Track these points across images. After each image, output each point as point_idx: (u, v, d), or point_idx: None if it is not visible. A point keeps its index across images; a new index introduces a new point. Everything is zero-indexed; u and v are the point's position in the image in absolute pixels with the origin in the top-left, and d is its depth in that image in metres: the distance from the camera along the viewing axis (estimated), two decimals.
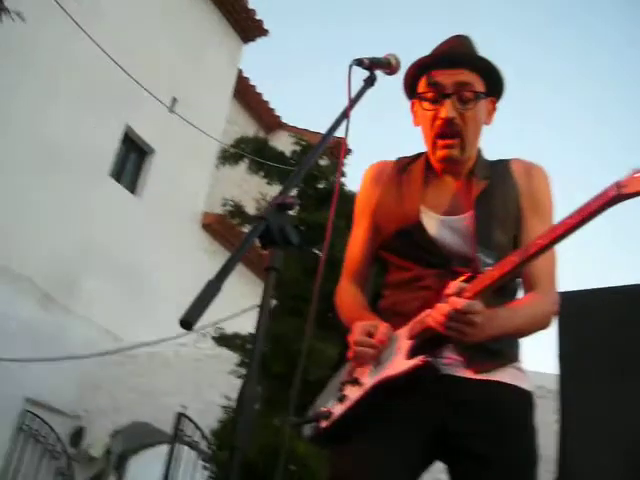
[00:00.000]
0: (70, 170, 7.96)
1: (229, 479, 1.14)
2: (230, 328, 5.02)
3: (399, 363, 1.58)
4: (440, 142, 1.70)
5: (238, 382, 4.98)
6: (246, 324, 5.14)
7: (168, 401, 6.95)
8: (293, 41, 27.80)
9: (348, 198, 5.18)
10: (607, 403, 3.40)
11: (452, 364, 1.64)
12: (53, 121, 7.89)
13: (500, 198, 1.73)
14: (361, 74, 1.65)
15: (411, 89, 1.80)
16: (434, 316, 1.51)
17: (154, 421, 7.27)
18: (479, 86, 1.72)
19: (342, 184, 5.31)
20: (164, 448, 6.80)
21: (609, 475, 3.50)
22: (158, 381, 7.34)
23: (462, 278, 1.54)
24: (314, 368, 4.32)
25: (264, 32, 11.31)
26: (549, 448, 2.93)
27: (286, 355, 4.49)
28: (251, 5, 10.86)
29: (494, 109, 1.80)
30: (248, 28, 11.10)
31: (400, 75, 1.74)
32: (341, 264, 5.16)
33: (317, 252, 5.06)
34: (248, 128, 11.69)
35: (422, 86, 1.75)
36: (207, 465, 6.24)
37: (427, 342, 1.58)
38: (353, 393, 1.65)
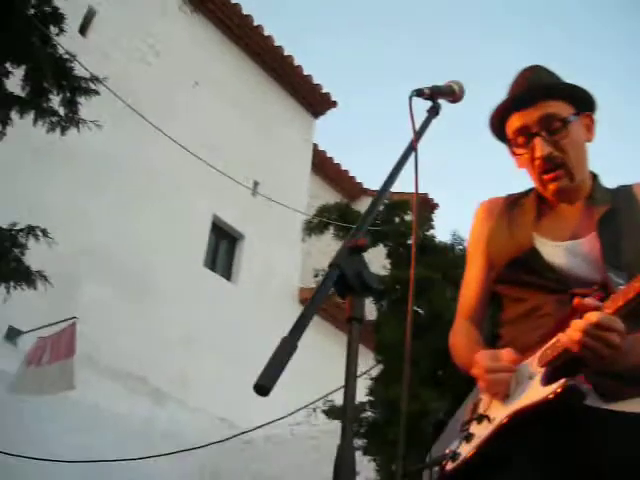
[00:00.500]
0: (165, 264, 8.20)
1: None
2: (340, 399, 4.88)
3: (536, 391, 1.44)
4: (546, 177, 1.68)
5: (357, 454, 4.79)
6: (358, 392, 5.00)
7: None
8: (362, 107, 28.31)
9: (440, 250, 5.05)
10: None
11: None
12: (144, 223, 8.20)
13: (626, 220, 1.64)
14: (424, 105, 1.57)
15: (500, 134, 1.78)
16: (569, 334, 1.40)
17: None
18: (565, 111, 1.68)
19: (432, 236, 5.18)
20: None
21: None
22: (277, 464, 7.20)
23: (595, 297, 1.42)
24: (430, 428, 4.11)
25: (333, 104, 11.55)
26: None
27: (399, 419, 4.29)
28: (317, 80, 11.15)
29: (592, 123, 1.75)
30: (317, 102, 11.37)
31: (464, 102, 1.67)
32: (441, 317, 4.92)
33: (417, 310, 4.89)
34: (331, 199, 11.80)
35: (510, 132, 1.73)
36: None
37: (561, 369, 1.44)
38: (482, 430, 1.52)
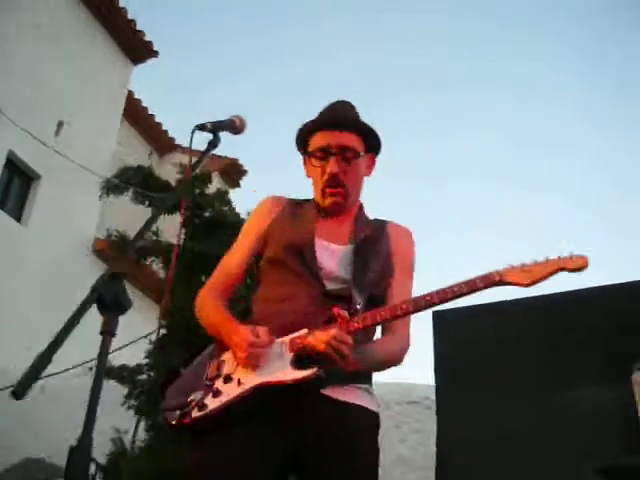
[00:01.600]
0: None
1: None
2: (117, 360, 5.00)
3: (285, 370, 1.81)
4: (328, 190, 2.07)
5: (129, 412, 4.96)
6: (134, 355, 5.13)
7: (61, 435, 6.77)
8: (184, 63, 27.54)
9: (234, 226, 5.29)
10: (477, 408, 3.73)
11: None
12: None
13: (374, 249, 2.04)
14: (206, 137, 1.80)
15: (303, 146, 2.13)
16: (316, 338, 1.78)
17: (48, 456, 7.06)
18: (359, 146, 2.09)
19: (228, 211, 5.41)
20: None
21: (481, 475, 3.82)
22: (49, 415, 7.14)
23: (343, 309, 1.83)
24: None
25: (154, 53, 11.26)
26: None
27: None
28: (141, 26, 10.80)
29: (373, 162, 2.19)
30: (137, 49, 11.01)
31: (245, 133, 1.93)
32: None
33: (204, 281, 5.12)
34: (141, 150, 11.59)
35: (312, 145, 2.08)
36: None
37: (304, 357, 1.81)
38: (230, 389, 1.83)
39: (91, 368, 4.85)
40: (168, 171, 11.67)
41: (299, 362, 1.82)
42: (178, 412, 1.86)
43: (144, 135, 11.98)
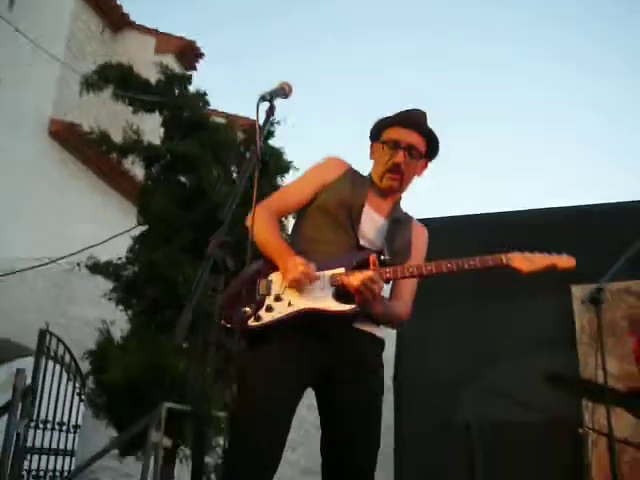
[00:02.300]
0: None
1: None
2: (102, 254, 5.22)
3: (329, 301, 2.22)
4: (388, 175, 2.47)
5: (101, 301, 5.24)
6: (117, 249, 5.36)
7: (28, 318, 7.02)
8: None
9: (214, 128, 5.43)
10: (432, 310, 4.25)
11: None
12: None
13: (401, 231, 2.50)
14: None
15: (376, 134, 2.53)
16: (353, 277, 2.19)
17: (14, 337, 7.34)
18: (422, 149, 2.50)
19: (208, 116, 5.51)
20: (26, 362, 6.93)
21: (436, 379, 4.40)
22: (17, 298, 7.35)
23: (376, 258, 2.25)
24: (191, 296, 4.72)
25: None
26: None
27: (159, 280, 4.81)
28: None
29: (426, 166, 2.59)
30: None
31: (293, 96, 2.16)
32: (206, 194, 5.48)
33: (184, 181, 5.30)
34: (93, 26, 11.15)
35: (386, 136, 2.49)
36: (74, 378, 6.55)
37: (342, 294, 2.22)
38: (281, 308, 2.22)
39: (78, 264, 5.08)
40: (126, 49, 11.36)
41: (338, 296, 2.22)
42: (235, 318, 2.23)
43: (97, 10, 11.45)
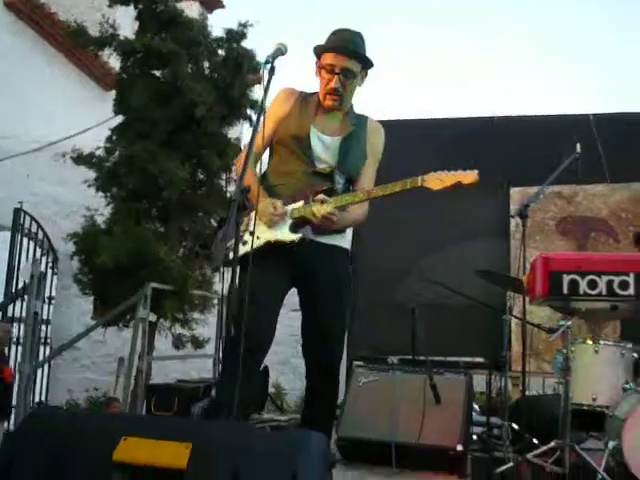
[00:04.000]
0: None
1: None
2: (81, 144, 5.53)
3: (285, 234, 2.76)
4: (328, 97, 2.85)
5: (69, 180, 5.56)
6: (98, 136, 5.67)
7: None
8: None
9: (187, 24, 5.64)
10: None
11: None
12: None
13: (356, 141, 2.90)
14: None
15: (317, 57, 2.86)
16: (312, 210, 2.69)
17: None
18: (357, 69, 2.83)
19: (181, 11, 5.67)
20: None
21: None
22: None
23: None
24: (169, 187, 5.16)
25: None
26: None
27: (139, 172, 5.20)
28: None
29: (366, 75, 2.91)
30: None
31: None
32: (182, 91, 5.85)
33: (159, 77, 5.55)
34: None
35: (323, 61, 2.83)
36: (47, 253, 7.00)
37: (299, 224, 2.77)
38: (253, 242, 2.68)
39: (64, 155, 5.40)
40: None
41: (294, 227, 2.76)
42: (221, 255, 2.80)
43: None
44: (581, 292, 1.43)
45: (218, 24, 5.77)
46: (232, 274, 2.09)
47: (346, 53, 2.79)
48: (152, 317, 4.85)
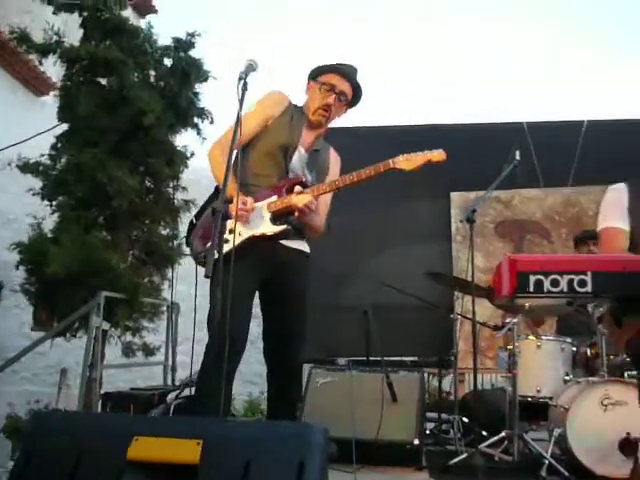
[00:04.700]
0: None
1: None
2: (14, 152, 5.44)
3: (268, 226, 2.91)
4: (320, 112, 3.16)
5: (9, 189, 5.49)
6: (43, 145, 5.59)
7: None
8: None
9: (133, 32, 5.65)
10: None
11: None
12: None
13: (320, 161, 3.22)
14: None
15: (315, 76, 3.16)
16: (296, 200, 2.89)
17: None
18: (349, 96, 3.24)
19: (126, 18, 5.66)
20: None
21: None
22: None
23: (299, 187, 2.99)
24: (118, 196, 5.15)
25: None
26: None
27: (87, 181, 5.16)
28: None
29: (345, 111, 3.29)
30: None
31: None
32: (128, 100, 5.91)
33: (105, 85, 5.53)
34: None
35: (324, 79, 3.14)
36: None
37: (279, 216, 2.94)
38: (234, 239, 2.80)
39: (9, 163, 5.31)
40: None
41: (274, 220, 2.94)
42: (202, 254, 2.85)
43: None
44: (545, 290, 1.59)
45: (154, 31, 5.72)
46: (215, 279, 2.20)
47: (350, 81, 3.16)
48: (105, 325, 4.84)
